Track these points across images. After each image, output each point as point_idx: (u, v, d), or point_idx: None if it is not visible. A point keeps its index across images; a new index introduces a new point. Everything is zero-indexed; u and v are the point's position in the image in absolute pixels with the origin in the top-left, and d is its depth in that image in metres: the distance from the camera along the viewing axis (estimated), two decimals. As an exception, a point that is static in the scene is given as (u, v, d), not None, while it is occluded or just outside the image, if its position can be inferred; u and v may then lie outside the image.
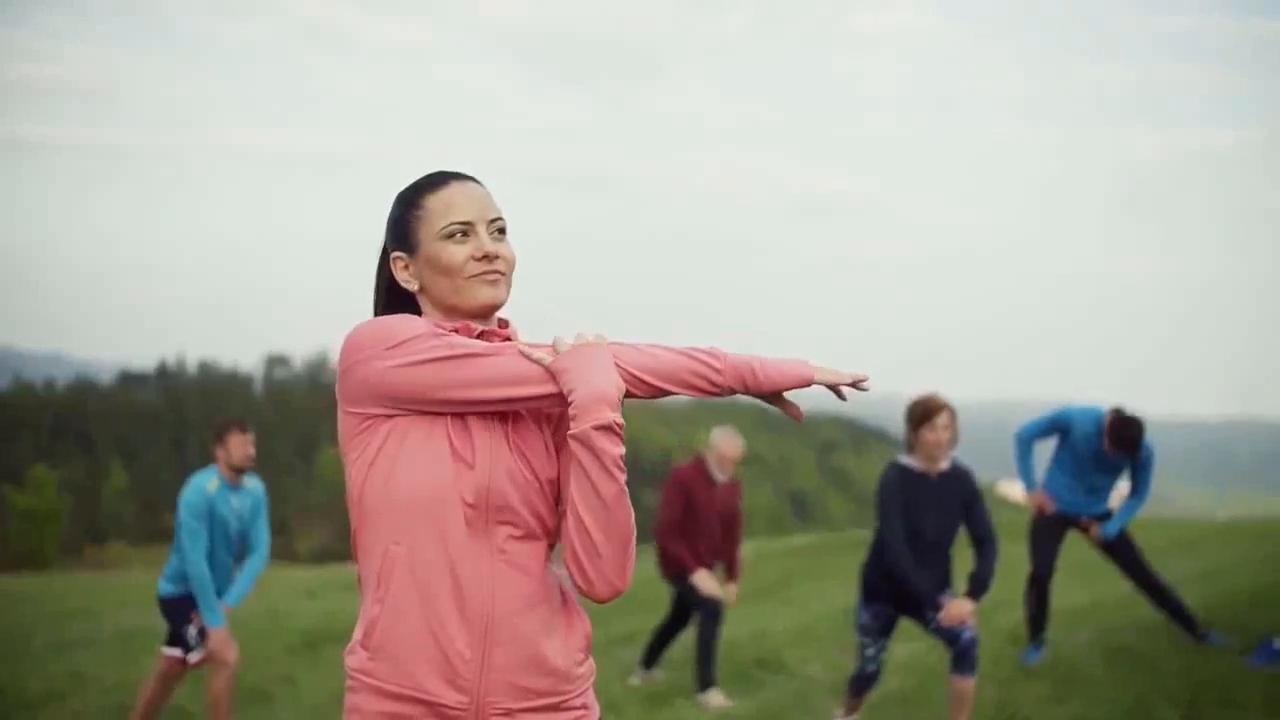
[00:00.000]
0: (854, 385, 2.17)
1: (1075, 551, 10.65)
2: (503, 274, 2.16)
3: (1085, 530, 7.05)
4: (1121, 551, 7.04)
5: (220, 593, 6.19)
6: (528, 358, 2.07)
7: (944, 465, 5.39)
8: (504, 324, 2.22)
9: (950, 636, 5.27)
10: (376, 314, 2.28)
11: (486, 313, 2.17)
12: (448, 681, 2.05)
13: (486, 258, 2.13)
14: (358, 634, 2.12)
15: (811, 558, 16.08)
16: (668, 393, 2.13)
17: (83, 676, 8.94)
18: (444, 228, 2.14)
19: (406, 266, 2.19)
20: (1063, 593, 7.99)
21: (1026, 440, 7.05)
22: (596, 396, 2.01)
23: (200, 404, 70.70)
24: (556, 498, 2.17)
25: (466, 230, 2.14)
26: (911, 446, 5.37)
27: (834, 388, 2.18)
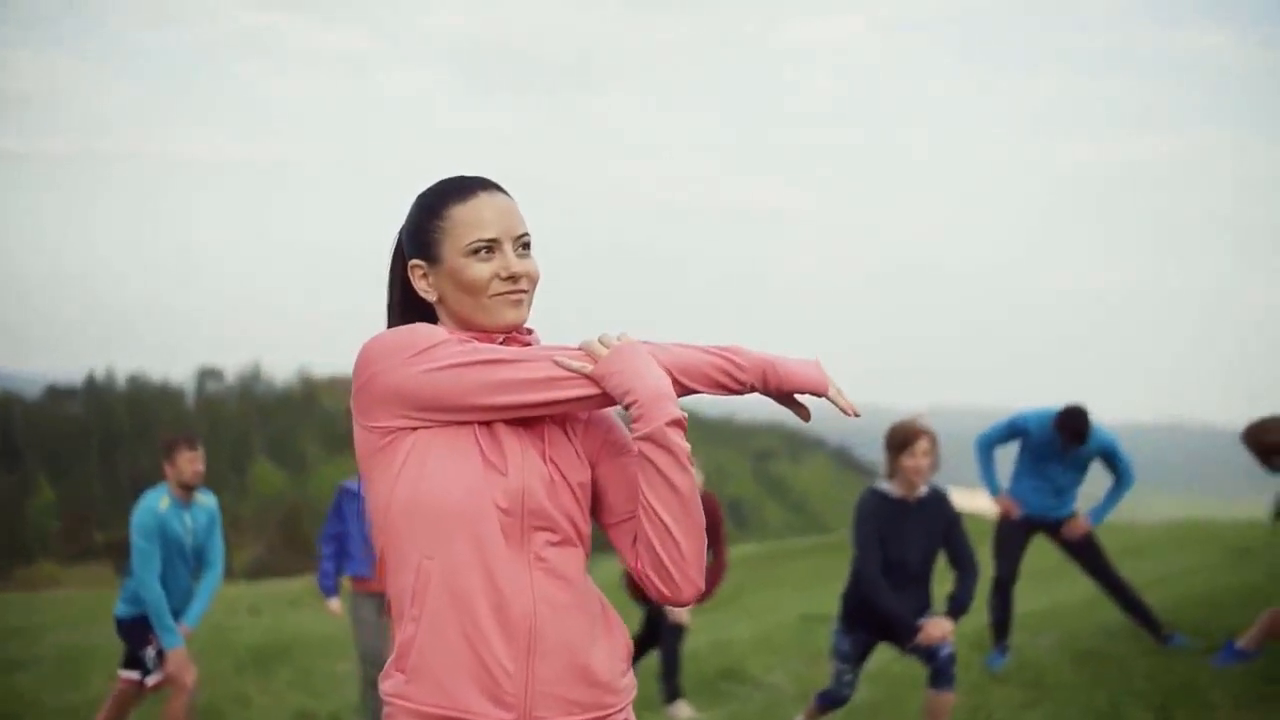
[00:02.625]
0: (849, 412, 2.15)
1: (1034, 555, 10.65)
2: (526, 292, 2.09)
3: (1053, 533, 7.05)
4: (1087, 553, 7.06)
5: (179, 613, 6.03)
6: (562, 365, 2.00)
7: (922, 490, 5.35)
8: (526, 331, 2.15)
9: (928, 654, 5.23)
10: (391, 320, 2.19)
11: (507, 332, 2.10)
12: (491, 698, 1.96)
13: (512, 278, 2.06)
14: (393, 657, 2.03)
15: (760, 567, 16.11)
16: (694, 391, 2.08)
17: (25, 699, 8.71)
18: (469, 244, 2.06)
19: (425, 276, 2.11)
20: (1023, 597, 7.99)
21: (986, 447, 7.06)
22: (658, 393, 1.97)
23: (130, 418, 69.59)
24: (589, 504, 2.11)
25: (492, 247, 2.06)
26: (891, 472, 5.30)
27: (836, 404, 2.15)
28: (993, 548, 7.12)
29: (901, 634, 5.26)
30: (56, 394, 75.65)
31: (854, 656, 5.49)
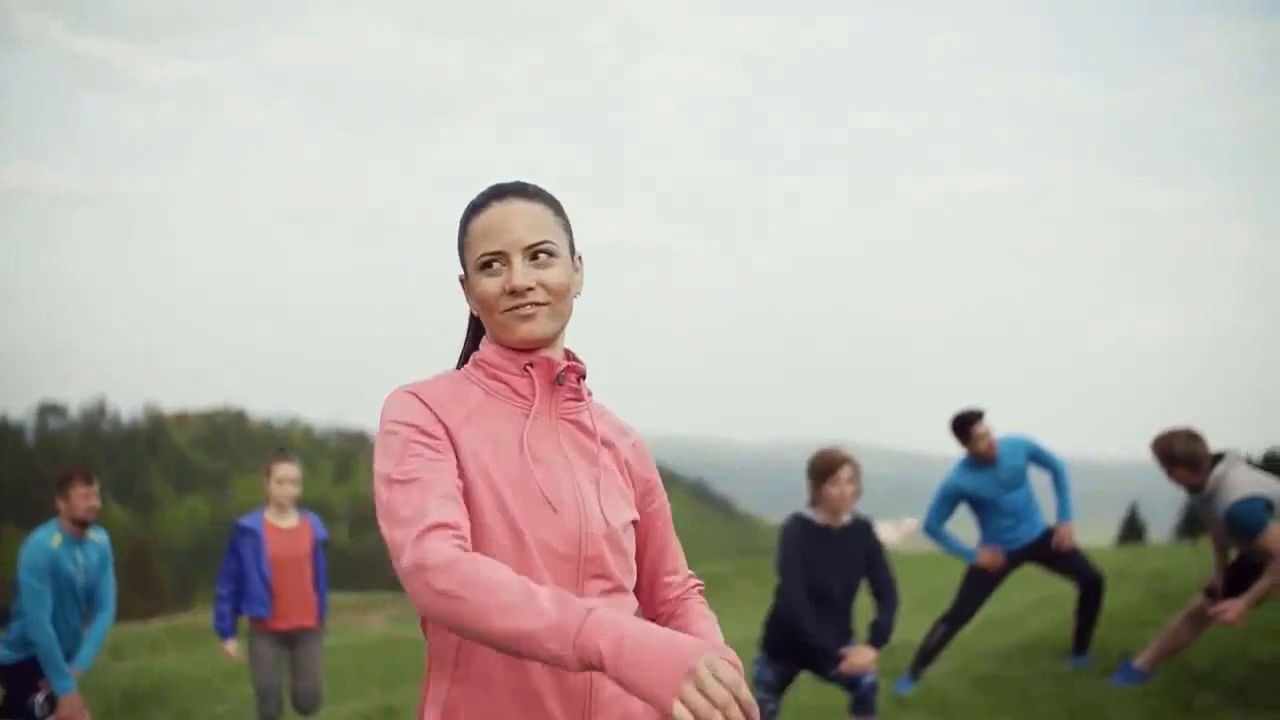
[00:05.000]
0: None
1: (924, 582, 10.85)
2: (541, 304, 1.93)
3: (1036, 555, 7.15)
4: (1074, 561, 7.13)
5: (69, 655, 5.74)
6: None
7: (846, 518, 5.39)
8: (570, 356, 2.04)
9: (851, 682, 5.26)
10: (466, 333, 2.14)
11: (528, 348, 1.97)
12: None
13: (514, 291, 1.92)
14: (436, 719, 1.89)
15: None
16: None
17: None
18: (477, 258, 1.96)
19: (468, 291, 2.03)
20: (914, 626, 8.11)
21: (936, 528, 7.18)
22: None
23: (-36, 456, 66.62)
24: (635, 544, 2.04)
25: (498, 260, 1.94)
26: (815, 500, 5.35)
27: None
28: (961, 583, 7.25)
29: (825, 662, 5.28)
30: (-116, 432, 72.04)
31: (777, 686, 5.49)
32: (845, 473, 5.28)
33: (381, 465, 1.86)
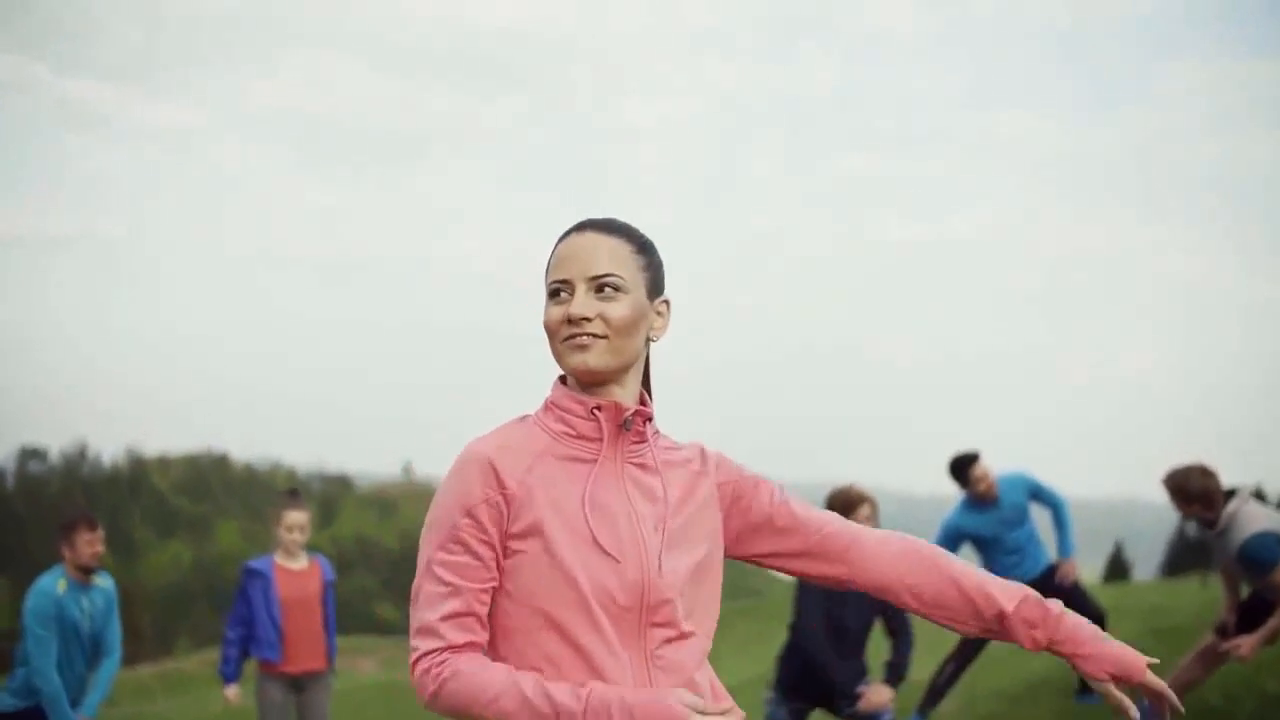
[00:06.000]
0: None
1: (922, 620, 10.81)
2: (598, 336, 1.90)
3: (1043, 593, 7.11)
4: (1078, 597, 7.10)
5: (75, 702, 5.68)
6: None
7: None
8: (644, 402, 2.02)
9: None
10: None
11: (584, 380, 1.95)
12: None
13: (571, 321, 1.91)
14: None
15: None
16: None
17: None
18: (548, 285, 1.96)
19: None
20: (916, 664, 8.07)
21: None
22: None
23: (-57, 501, 66.03)
24: (716, 583, 2.00)
25: (565, 289, 1.93)
26: None
27: None
28: None
29: (841, 700, 5.25)
30: None
31: None
32: (864, 511, 5.27)
33: (427, 541, 1.90)
